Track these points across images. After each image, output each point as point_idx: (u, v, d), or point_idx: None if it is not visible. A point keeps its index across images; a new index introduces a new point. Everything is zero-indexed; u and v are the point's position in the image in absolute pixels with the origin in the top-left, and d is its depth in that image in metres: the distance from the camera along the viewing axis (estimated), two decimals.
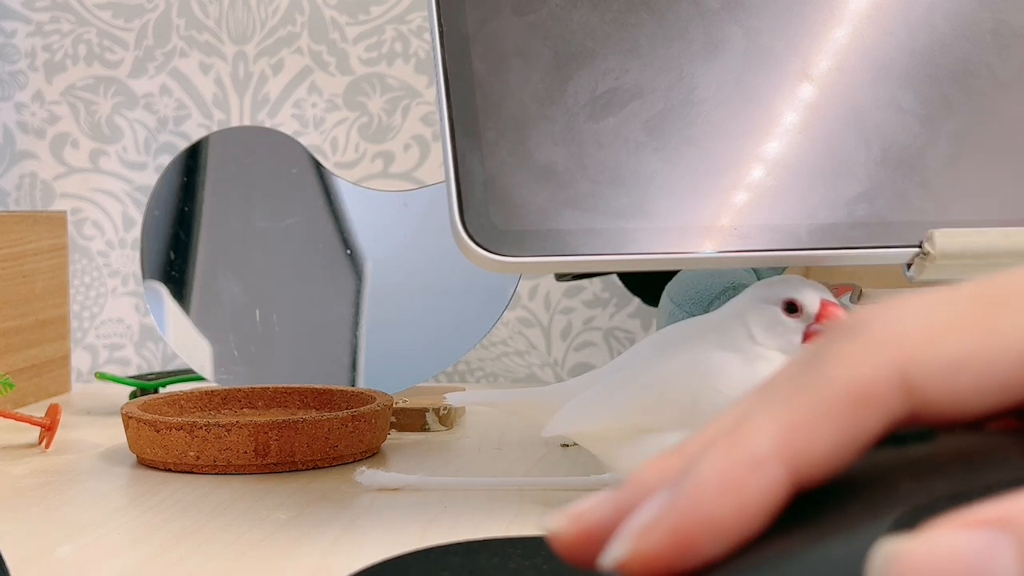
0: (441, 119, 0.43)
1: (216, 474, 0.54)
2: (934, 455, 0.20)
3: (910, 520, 0.18)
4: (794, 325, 0.45)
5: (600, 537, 0.21)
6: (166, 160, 0.87)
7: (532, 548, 0.37)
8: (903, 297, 0.21)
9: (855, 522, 0.18)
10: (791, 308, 0.45)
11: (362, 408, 0.57)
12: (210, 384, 0.70)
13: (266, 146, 0.73)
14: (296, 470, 0.54)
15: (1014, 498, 0.17)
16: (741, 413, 0.21)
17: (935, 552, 0.16)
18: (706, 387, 0.44)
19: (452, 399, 0.53)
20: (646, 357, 0.47)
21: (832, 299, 0.45)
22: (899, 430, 0.21)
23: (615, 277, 0.87)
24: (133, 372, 0.91)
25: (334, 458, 0.55)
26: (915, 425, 0.21)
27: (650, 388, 0.46)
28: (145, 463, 0.56)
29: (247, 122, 0.91)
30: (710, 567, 0.19)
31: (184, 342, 0.70)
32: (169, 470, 0.55)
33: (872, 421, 0.20)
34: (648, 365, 0.47)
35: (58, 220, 0.81)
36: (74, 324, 0.90)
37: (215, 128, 0.91)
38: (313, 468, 0.55)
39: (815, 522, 0.19)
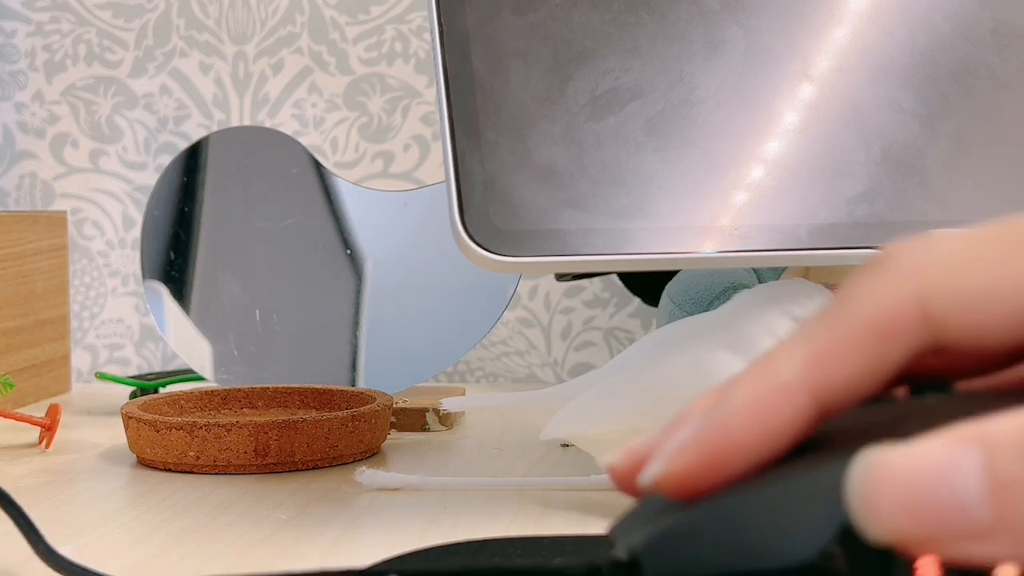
0: (441, 119, 0.43)
1: (216, 474, 0.54)
2: (946, 406, 0.21)
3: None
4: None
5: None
6: (166, 160, 0.87)
7: (532, 548, 0.37)
8: (928, 234, 0.22)
9: (851, 450, 0.19)
10: None
11: (362, 408, 0.57)
12: (210, 384, 0.70)
13: (266, 146, 0.73)
14: (296, 470, 0.54)
15: (990, 418, 0.18)
16: (774, 348, 0.22)
17: (909, 458, 0.18)
18: (709, 388, 0.44)
19: (448, 404, 0.52)
20: (645, 358, 0.47)
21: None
22: (920, 381, 0.22)
23: (615, 277, 0.87)
24: (133, 372, 0.91)
25: (334, 458, 0.55)
26: (935, 376, 0.22)
27: (650, 390, 0.45)
28: (145, 463, 0.56)
29: (247, 122, 0.91)
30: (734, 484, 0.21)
31: (184, 342, 0.70)
32: (169, 470, 0.55)
33: (894, 351, 0.21)
34: (647, 367, 0.46)
35: (58, 220, 0.81)
36: (74, 324, 0.90)
37: (215, 128, 0.91)
38: (313, 468, 0.55)
39: (822, 450, 0.21)
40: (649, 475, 0.21)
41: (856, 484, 0.18)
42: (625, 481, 0.23)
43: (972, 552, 0.18)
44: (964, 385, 0.23)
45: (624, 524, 0.23)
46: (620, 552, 0.22)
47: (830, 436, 0.21)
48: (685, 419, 0.22)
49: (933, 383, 0.22)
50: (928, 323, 0.21)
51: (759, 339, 0.45)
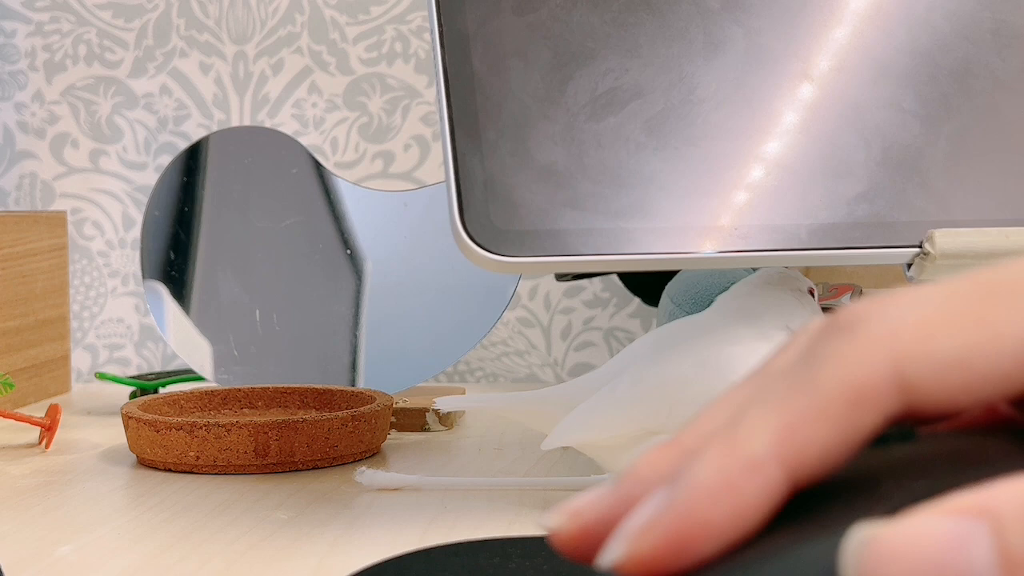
0: (441, 119, 0.43)
1: (216, 474, 0.54)
2: (915, 456, 0.20)
3: (888, 515, 0.18)
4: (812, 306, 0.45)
5: (599, 534, 0.21)
6: (166, 160, 0.87)
7: (532, 548, 0.37)
8: (898, 292, 0.21)
9: (835, 522, 0.18)
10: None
11: (362, 408, 0.57)
12: (210, 384, 0.70)
13: (266, 146, 0.73)
14: (296, 470, 0.54)
15: (992, 487, 0.17)
16: (737, 408, 0.21)
17: (911, 537, 0.17)
18: (722, 384, 0.43)
19: (442, 404, 0.52)
20: (646, 359, 0.47)
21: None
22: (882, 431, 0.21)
23: (615, 277, 0.87)
24: (133, 372, 0.91)
25: (334, 458, 0.55)
26: (897, 426, 0.21)
27: (658, 391, 0.45)
28: (145, 463, 0.56)
29: (247, 122, 0.91)
30: (702, 567, 0.19)
31: (184, 342, 0.70)
32: (169, 470, 0.55)
33: (868, 419, 0.20)
34: (650, 368, 0.46)
35: (58, 220, 0.81)
36: (74, 324, 0.90)
37: (215, 128, 0.91)
38: (313, 468, 0.55)
39: (799, 523, 0.19)
40: (610, 557, 0.20)
41: (852, 568, 0.17)
42: (571, 549, 0.21)
43: None
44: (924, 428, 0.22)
45: None
46: None
47: (802, 504, 0.20)
48: (635, 486, 0.21)
49: (895, 431, 0.21)
50: (904, 389, 0.20)
51: (766, 331, 0.45)
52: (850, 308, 0.21)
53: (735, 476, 0.19)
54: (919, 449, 0.21)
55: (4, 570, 0.37)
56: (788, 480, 0.20)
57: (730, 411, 0.21)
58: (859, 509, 0.18)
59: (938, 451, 0.20)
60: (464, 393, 0.72)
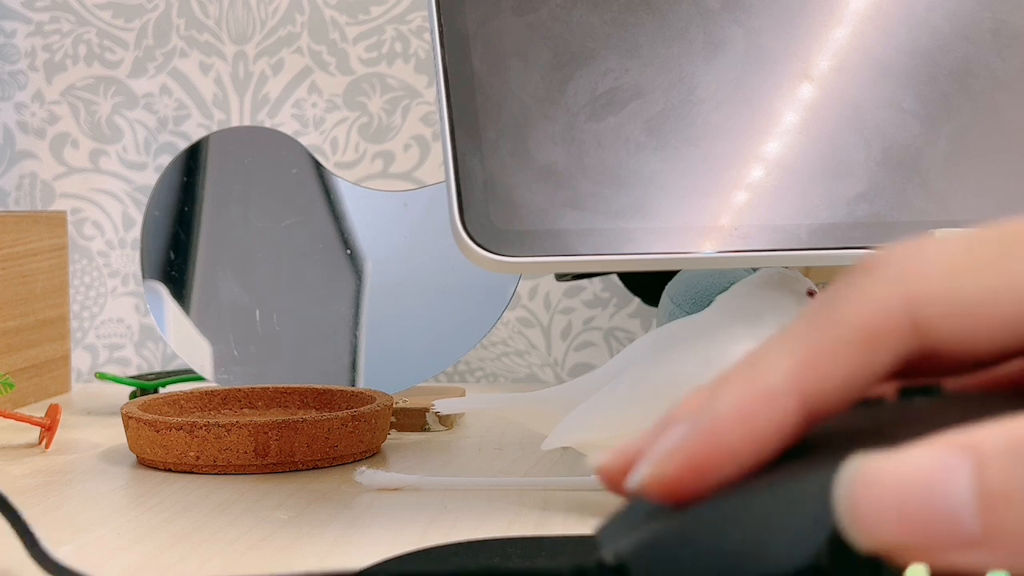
0: (441, 119, 0.43)
1: (216, 474, 0.54)
2: (930, 409, 0.21)
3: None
4: None
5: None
6: (166, 160, 0.87)
7: (532, 548, 0.37)
8: (921, 239, 0.21)
9: (838, 456, 0.19)
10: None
11: (362, 408, 0.57)
12: (210, 384, 0.70)
13: (266, 146, 0.73)
14: (296, 470, 0.54)
15: (981, 427, 0.18)
16: (763, 349, 0.22)
17: (899, 466, 0.18)
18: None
19: (442, 406, 0.52)
20: (647, 359, 0.47)
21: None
22: (908, 385, 0.22)
23: (615, 277, 0.87)
24: (133, 372, 0.91)
25: (334, 458, 0.55)
26: (924, 380, 0.22)
27: (659, 391, 0.45)
28: (145, 463, 0.56)
29: (247, 122, 0.91)
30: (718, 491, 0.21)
31: (184, 342, 0.70)
32: (169, 470, 0.55)
33: (883, 356, 0.21)
34: (652, 367, 0.46)
35: (58, 220, 0.81)
36: (74, 324, 0.90)
37: (215, 128, 0.91)
38: (313, 468, 0.55)
39: (810, 456, 0.21)
40: (636, 479, 0.21)
41: (844, 492, 0.18)
42: (614, 482, 0.22)
43: (961, 561, 0.18)
44: (953, 384, 0.23)
45: (611, 526, 0.23)
46: (607, 555, 0.22)
47: (818, 440, 0.21)
48: (673, 421, 0.22)
49: (922, 386, 0.22)
50: (917, 329, 0.20)
51: (766, 332, 0.45)
52: (875, 254, 0.22)
53: (752, 405, 0.21)
54: (937, 403, 0.21)
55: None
56: (803, 411, 0.21)
57: (756, 356, 0.22)
58: (862, 448, 0.19)
59: (954, 405, 0.21)
60: (464, 393, 0.72)
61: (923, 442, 0.18)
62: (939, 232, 0.43)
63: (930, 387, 0.22)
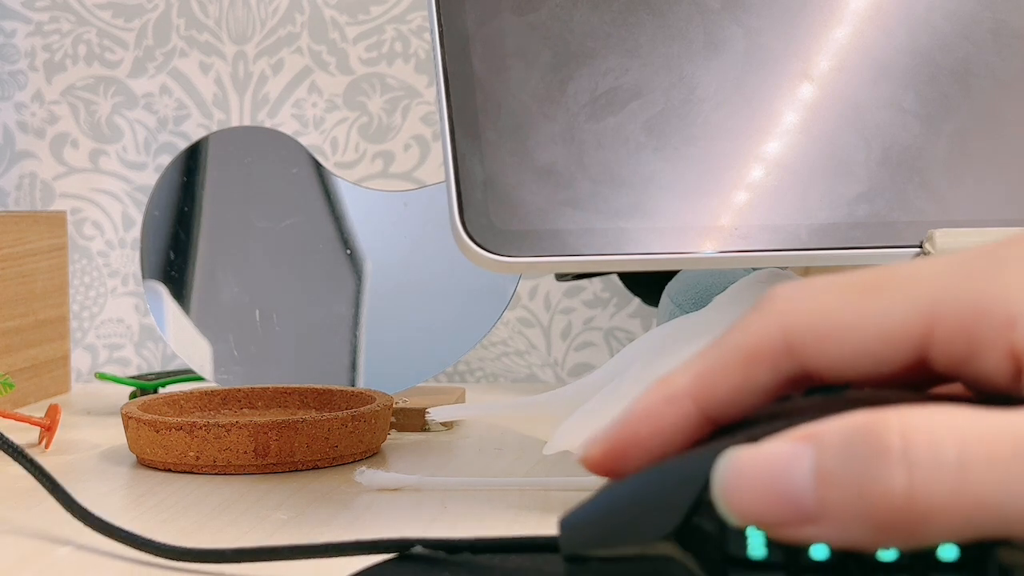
0: (441, 119, 0.43)
1: (216, 474, 0.54)
2: (820, 403, 0.25)
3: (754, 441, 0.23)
4: None
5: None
6: (166, 160, 0.87)
7: (532, 548, 0.37)
8: (810, 279, 0.26)
9: (722, 446, 0.24)
10: None
11: (362, 408, 0.57)
12: (210, 384, 0.70)
13: (266, 146, 0.73)
14: (296, 470, 0.54)
15: (828, 420, 0.22)
16: (678, 367, 0.27)
17: (757, 456, 0.23)
18: None
19: (437, 414, 0.52)
20: (649, 359, 0.47)
21: None
22: (816, 386, 0.26)
23: (615, 277, 0.87)
24: (133, 372, 0.91)
25: (334, 458, 0.55)
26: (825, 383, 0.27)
27: None
28: (145, 463, 0.56)
29: (247, 122, 0.91)
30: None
31: (184, 342, 0.70)
32: (169, 470, 0.55)
33: (763, 372, 0.26)
34: (653, 367, 0.46)
35: (58, 220, 0.81)
36: (74, 324, 0.90)
37: (215, 128, 0.91)
38: (313, 468, 0.55)
39: (702, 446, 0.26)
40: (579, 454, 0.27)
41: (718, 476, 0.23)
42: (592, 464, 0.28)
43: (805, 535, 0.22)
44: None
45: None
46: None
47: (718, 435, 0.26)
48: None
49: (830, 386, 0.26)
50: (792, 353, 0.25)
51: None
52: (771, 291, 0.27)
53: (657, 404, 0.26)
54: (831, 399, 0.26)
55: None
56: (700, 413, 0.26)
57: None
58: (743, 438, 0.24)
59: (843, 400, 0.25)
60: (464, 393, 0.72)
61: (783, 434, 0.23)
62: (937, 235, 0.43)
63: (837, 387, 0.26)
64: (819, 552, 0.23)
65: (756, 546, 0.23)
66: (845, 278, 0.26)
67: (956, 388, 0.26)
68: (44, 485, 0.41)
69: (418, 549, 0.33)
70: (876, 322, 0.25)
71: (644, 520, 0.25)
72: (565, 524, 0.27)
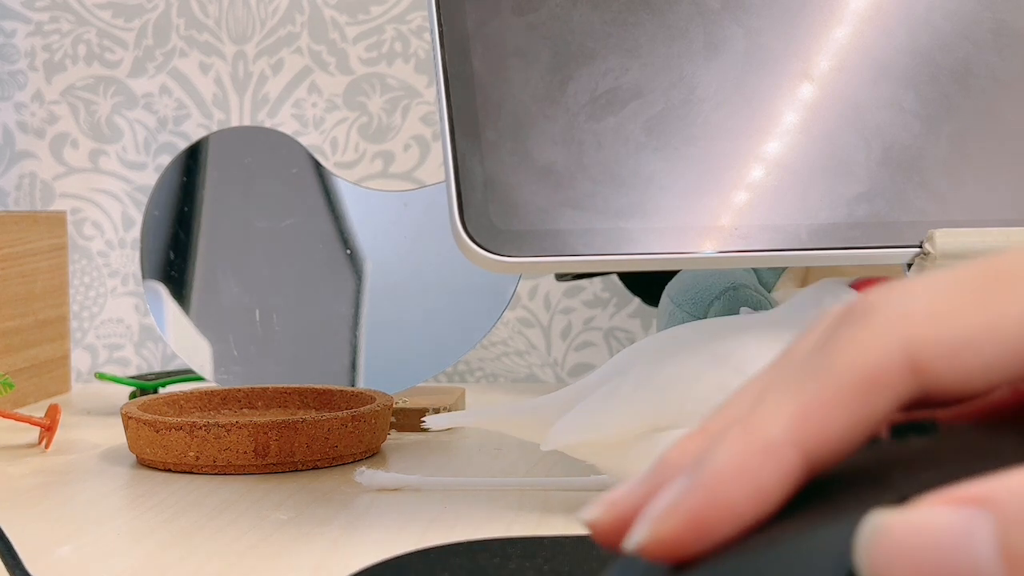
0: (441, 119, 0.43)
1: (216, 474, 0.54)
2: (930, 448, 0.21)
3: (897, 503, 0.18)
4: None
5: (632, 521, 0.21)
6: (166, 160, 0.87)
7: (532, 548, 0.37)
8: (909, 280, 0.21)
9: (846, 509, 0.19)
10: None
11: (362, 408, 0.57)
12: (210, 384, 0.70)
13: (266, 146, 0.73)
14: (296, 470, 0.54)
15: (998, 478, 0.18)
16: (756, 395, 0.21)
17: (919, 525, 0.17)
18: (737, 378, 0.41)
19: (432, 423, 0.51)
20: (650, 359, 0.46)
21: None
22: (901, 422, 0.21)
23: (615, 277, 0.87)
24: (133, 372, 0.91)
25: (334, 458, 0.55)
26: (917, 418, 0.22)
27: (667, 387, 0.44)
28: (145, 463, 0.56)
29: (247, 122, 0.91)
30: (720, 549, 0.20)
31: (184, 342, 0.70)
32: (169, 470, 0.55)
33: (882, 403, 0.20)
34: (658, 366, 0.45)
35: (58, 220, 0.81)
36: (74, 324, 0.90)
37: (215, 128, 0.91)
38: (313, 468, 0.55)
39: (814, 508, 0.20)
40: (635, 540, 0.21)
41: (865, 551, 0.18)
42: (606, 537, 0.22)
43: None
44: (944, 415, 0.23)
45: None
46: None
47: (818, 489, 0.21)
48: (668, 471, 0.22)
49: (915, 421, 0.22)
50: (916, 373, 0.20)
51: (783, 327, 0.44)
52: (864, 296, 0.21)
53: (752, 459, 0.20)
54: (935, 441, 0.21)
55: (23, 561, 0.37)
56: (804, 463, 0.20)
57: (753, 397, 0.21)
58: (869, 498, 0.19)
59: (953, 443, 0.21)
60: (464, 393, 0.72)
61: (939, 496, 0.18)
62: (937, 235, 0.43)
63: (924, 423, 0.22)
64: None
65: None
66: (952, 274, 0.21)
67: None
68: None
69: None
70: (1016, 313, 0.20)
71: None
72: None
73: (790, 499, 0.20)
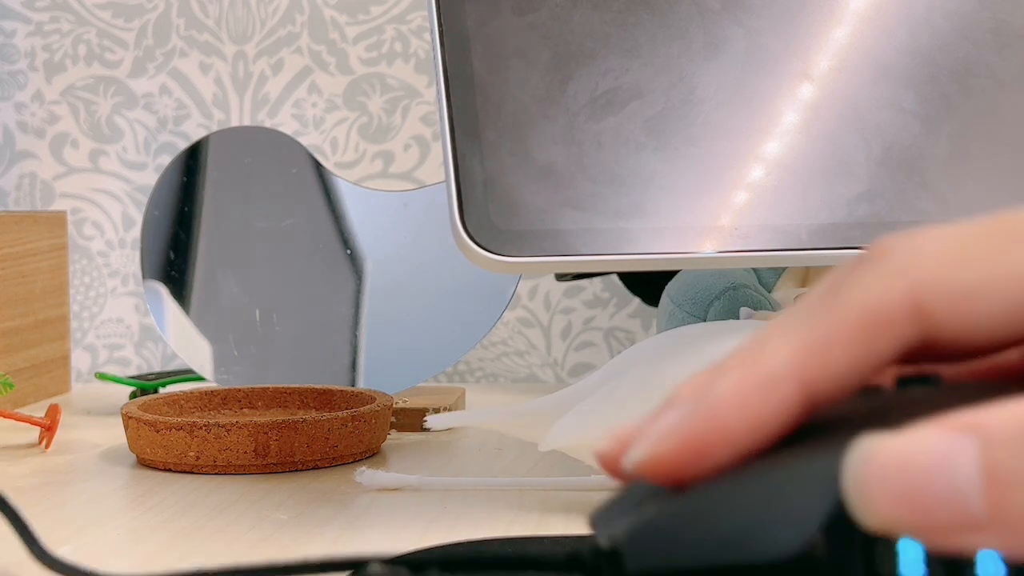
0: (441, 119, 0.43)
1: (216, 474, 0.54)
2: (929, 396, 0.21)
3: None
4: None
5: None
6: (166, 160, 0.87)
7: (532, 548, 0.37)
8: (924, 228, 0.21)
9: (841, 441, 0.19)
10: None
11: (362, 408, 0.57)
12: (210, 384, 0.70)
13: (266, 146, 0.73)
14: (296, 470, 0.54)
15: (986, 408, 0.18)
16: (764, 337, 0.22)
17: (905, 447, 0.18)
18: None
19: (433, 423, 0.51)
20: (649, 361, 0.46)
21: None
22: (906, 376, 0.22)
23: (615, 277, 0.87)
24: (133, 372, 0.91)
25: (334, 458, 0.55)
26: (922, 372, 0.22)
27: (663, 389, 0.44)
28: (145, 463, 0.56)
29: (247, 122, 0.91)
30: (716, 474, 0.21)
31: (184, 342, 0.70)
32: (169, 470, 0.55)
33: (885, 343, 0.21)
34: (656, 368, 0.45)
35: (58, 220, 0.81)
36: (74, 324, 0.90)
37: (215, 128, 0.91)
38: (313, 468, 0.55)
39: (810, 441, 0.21)
40: (632, 458, 0.21)
41: (852, 472, 0.18)
42: (612, 464, 0.22)
43: (964, 543, 0.18)
44: (950, 373, 0.23)
45: (606, 511, 0.23)
46: (601, 540, 0.22)
47: (818, 426, 0.21)
48: (673, 403, 0.22)
49: (920, 375, 0.22)
50: (920, 317, 0.20)
51: None
52: (879, 241, 0.22)
53: (753, 389, 0.21)
54: (936, 391, 0.21)
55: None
56: (804, 397, 0.21)
57: (762, 339, 0.22)
58: (864, 433, 0.19)
59: (952, 393, 0.21)
60: (464, 393, 0.72)
61: (929, 422, 0.18)
62: (931, 227, 0.43)
63: (928, 376, 0.22)
64: (989, 567, 0.18)
65: (910, 562, 0.19)
66: (966, 227, 0.21)
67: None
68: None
69: (374, 567, 0.28)
70: None
71: (764, 533, 0.20)
72: (633, 536, 0.21)
73: (789, 434, 0.21)
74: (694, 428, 0.21)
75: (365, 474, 0.50)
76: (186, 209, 0.72)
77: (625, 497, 0.23)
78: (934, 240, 0.21)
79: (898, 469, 0.18)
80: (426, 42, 0.90)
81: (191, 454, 0.54)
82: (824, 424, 0.21)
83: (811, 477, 0.19)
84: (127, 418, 0.56)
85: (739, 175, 0.45)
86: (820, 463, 0.19)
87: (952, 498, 0.18)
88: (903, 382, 0.22)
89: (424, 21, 0.90)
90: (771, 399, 0.21)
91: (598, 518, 0.23)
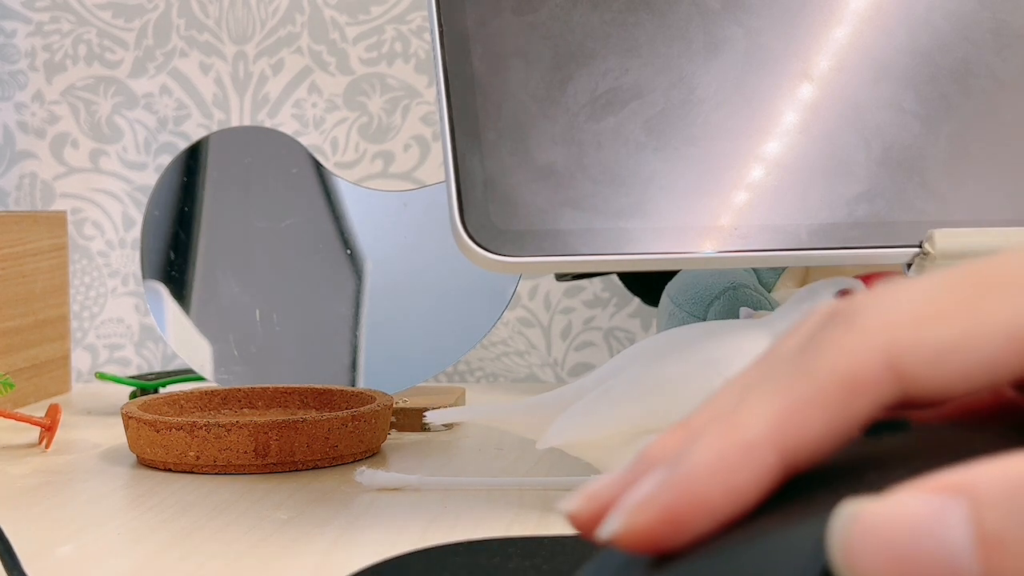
0: (441, 119, 0.43)
1: (216, 474, 0.54)
2: (905, 446, 0.21)
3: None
4: None
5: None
6: (166, 160, 0.87)
7: (532, 548, 0.37)
8: (893, 284, 0.21)
9: (821, 505, 0.19)
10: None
11: (362, 408, 0.57)
12: (210, 384, 0.70)
13: (266, 146, 0.73)
14: (296, 470, 0.54)
15: (971, 466, 0.18)
16: (739, 393, 0.21)
17: (893, 512, 0.17)
18: (722, 382, 0.42)
19: (433, 417, 0.51)
20: (646, 361, 0.46)
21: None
22: (874, 420, 0.21)
23: (615, 277, 0.87)
24: (133, 372, 0.91)
25: (334, 458, 0.55)
26: (891, 417, 0.22)
27: (656, 390, 0.45)
28: (145, 463, 0.56)
29: (247, 122, 0.91)
30: (694, 545, 0.20)
31: (184, 342, 0.70)
32: (169, 470, 0.55)
33: (862, 407, 0.20)
34: (649, 368, 0.46)
35: (58, 220, 0.81)
36: (74, 324, 0.90)
37: (215, 128, 0.91)
38: (313, 468, 0.55)
39: (789, 506, 0.20)
40: (608, 530, 0.21)
41: (839, 539, 0.18)
42: (585, 528, 0.22)
43: None
44: (917, 416, 0.23)
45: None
46: None
47: (795, 485, 0.21)
48: (646, 467, 0.22)
49: (888, 421, 0.22)
50: (897, 377, 0.20)
51: (772, 330, 0.44)
52: (848, 299, 0.21)
53: (730, 458, 0.20)
54: (910, 440, 0.21)
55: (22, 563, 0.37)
56: (782, 464, 0.20)
57: (735, 395, 0.21)
58: (844, 495, 0.19)
59: (927, 442, 0.21)
60: (464, 393, 0.72)
61: (914, 485, 0.18)
62: (937, 235, 0.43)
63: (896, 421, 0.22)
64: None
65: None
66: (937, 279, 0.21)
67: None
68: None
69: None
70: (1000, 320, 0.20)
71: None
72: None
73: (767, 498, 0.20)
74: (672, 498, 0.20)
75: (365, 474, 0.50)
76: (186, 209, 0.72)
77: (603, 562, 0.22)
78: (906, 296, 0.21)
79: (887, 535, 0.17)
80: (426, 42, 0.90)
81: (191, 454, 0.54)
82: (800, 482, 0.21)
83: (795, 546, 0.19)
84: (127, 418, 0.56)
85: (739, 175, 0.45)
86: (804, 530, 0.19)
87: (944, 563, 0.17)
88: (873, 429, 0.21)
89: (424, 21, 0.90)
90: (749, 467, 0.20)
91: None
